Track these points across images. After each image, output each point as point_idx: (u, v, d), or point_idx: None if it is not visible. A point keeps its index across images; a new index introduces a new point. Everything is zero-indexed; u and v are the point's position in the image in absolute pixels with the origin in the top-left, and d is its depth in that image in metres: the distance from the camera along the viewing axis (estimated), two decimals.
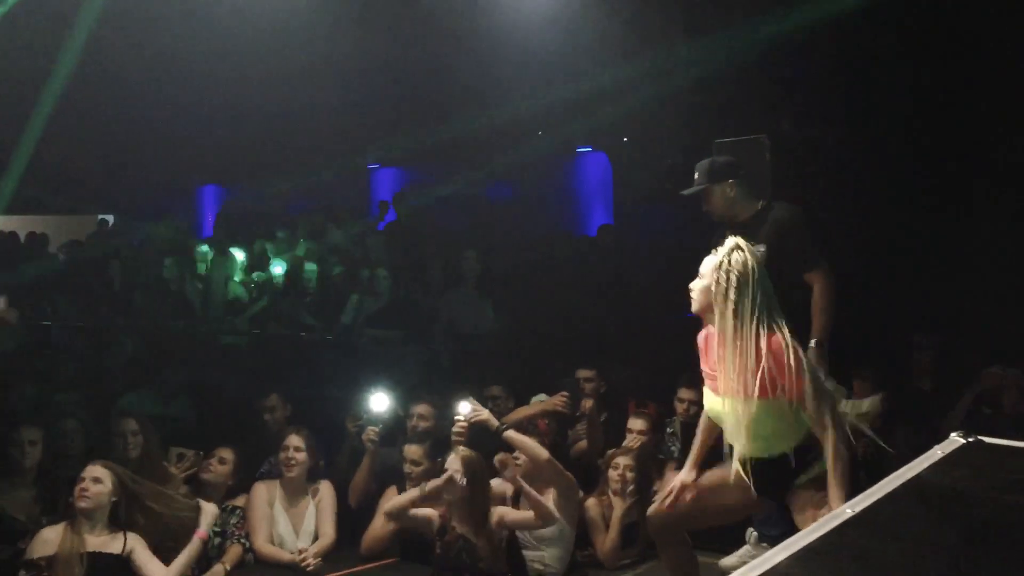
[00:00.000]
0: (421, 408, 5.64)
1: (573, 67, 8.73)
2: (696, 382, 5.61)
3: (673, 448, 5.85)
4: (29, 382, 6.38)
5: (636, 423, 5.56)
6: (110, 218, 13.66)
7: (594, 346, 7.19)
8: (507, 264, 8.20)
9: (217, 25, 8.86)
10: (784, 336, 3.31)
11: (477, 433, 4.92)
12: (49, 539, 4.32)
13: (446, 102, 9.97)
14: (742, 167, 4.58)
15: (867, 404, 4.01)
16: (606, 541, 5.11)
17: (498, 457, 4.67)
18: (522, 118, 9.60)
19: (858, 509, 1.90)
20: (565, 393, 5.75)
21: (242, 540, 5.10)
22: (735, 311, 3.32)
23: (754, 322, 3.30)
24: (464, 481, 4.48)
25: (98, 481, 4.35)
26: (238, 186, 14.41)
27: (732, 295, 3.34)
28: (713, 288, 3.40)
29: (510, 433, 4.82)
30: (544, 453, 4.76)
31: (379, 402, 5.57)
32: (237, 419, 6.24)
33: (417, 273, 8.38)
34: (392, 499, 4.97)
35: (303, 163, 11.77)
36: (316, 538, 5.27)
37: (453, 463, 4.53)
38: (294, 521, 5.25)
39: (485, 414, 4.86)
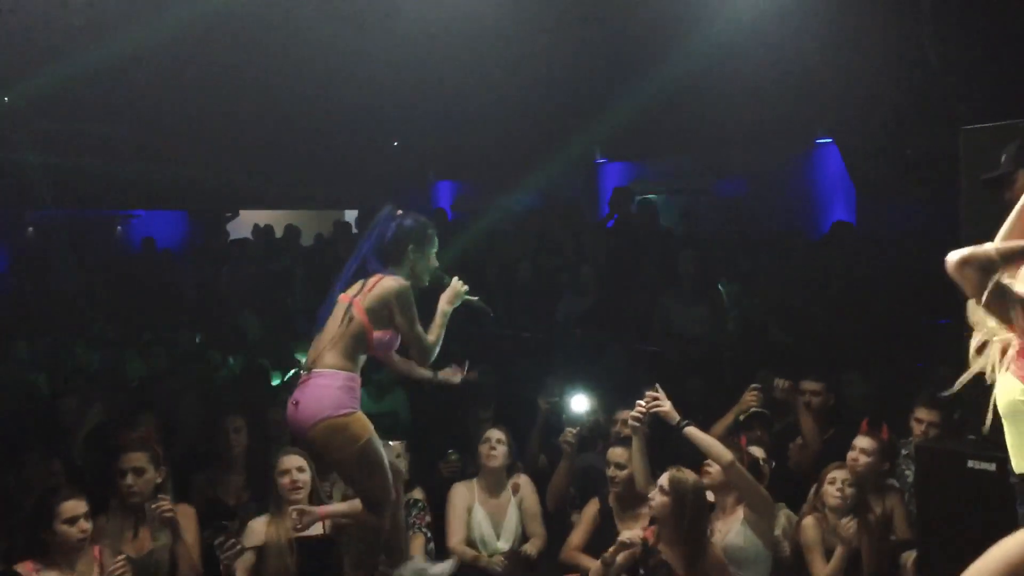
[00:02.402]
0: (626, 413, 5.29)
1: (808, 54, 8.10)
2: (937, 402, 5.08)
3: (908, 472, 5.23)
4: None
5: (862, 441, 4.95)
6: (354, 213, 14.35)
7: (823, 355, 6.59)
8: (730, 264, 7.72)
9: (446, 26, 8.93)
10: None
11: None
12: (256, 530, 4.48)
13: (676, 95, 9.58)
14: None
15: None
16: (827, 566, 4.55)
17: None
18: (755, 109, 9.05)
19: None
20: (756, 385, 5.30)
21: (423, 530, 5.02)
22: None
23: None
24: (667, 500, 4.15)
25: (302, 470, 4.52)
26: (471, 182, 14.70)
27: None
28: None
29: (691, 430, 4.38)
30: (728, 455, 4.29)
31: (579, 403, 5.33)
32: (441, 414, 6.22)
33: (631, 272, 8.06)
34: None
35: (532, 159, 11.77)
36: (518, 537, 5.15)
37: (662, 480, 4.23)
38: (493, 519, 5.14)
39: (667, 405, 4.45)
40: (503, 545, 5.11)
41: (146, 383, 6.84)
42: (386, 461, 4.09)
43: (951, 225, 4.36)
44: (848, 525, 4.53)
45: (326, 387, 3.92)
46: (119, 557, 3.99)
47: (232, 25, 8.26)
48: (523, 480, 5.29)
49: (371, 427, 4.02)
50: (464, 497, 5.15)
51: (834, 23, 7.22)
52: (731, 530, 4.43)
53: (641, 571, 4.26)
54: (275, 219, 13.55)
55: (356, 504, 4.24)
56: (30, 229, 14.10)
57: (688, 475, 4.22)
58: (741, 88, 8.71)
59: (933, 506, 4.52)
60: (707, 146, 10.55)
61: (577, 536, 5.01)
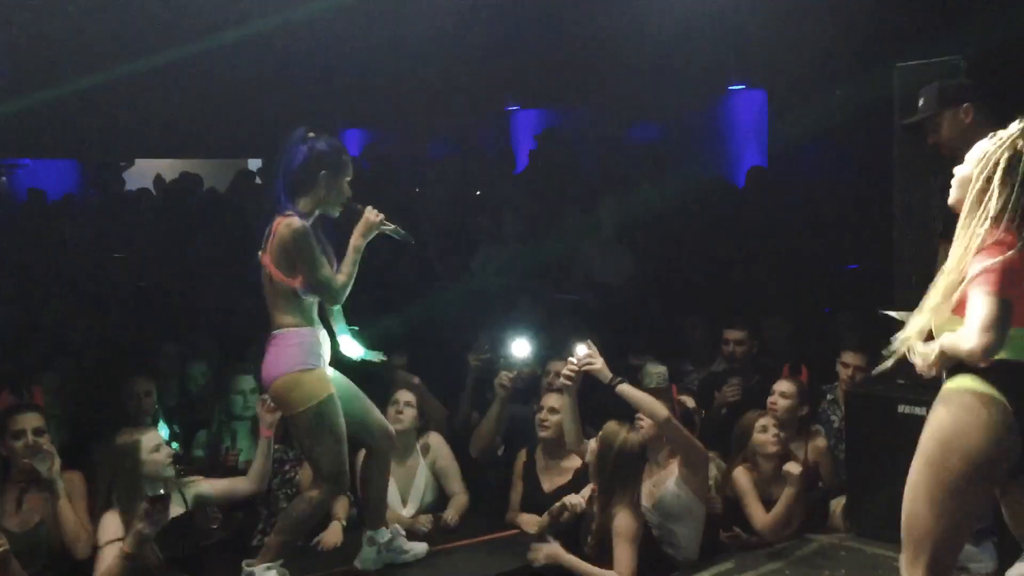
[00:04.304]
0: (559, 366, 5.11)
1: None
2: (864, 346, 5.06)
3: (834, 418, 5.23)
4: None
5: (782, 385, 4.91)
6: (258, 162, 13.80)
7: (745, 302, 6.55)
8: (650, 211, 7.60)
9: None
10: None
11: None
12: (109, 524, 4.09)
13: (588, 38, 9.38)
14: (980, 89, 3.85)
15: None
16: (769, 512, 4.49)
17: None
18: (669, 54, 8.92)
19: None
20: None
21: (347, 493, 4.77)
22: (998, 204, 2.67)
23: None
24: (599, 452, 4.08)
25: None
26: (380, 130, 14.29)
27: (998, 184, 2.70)
28: (976, 174, 2.76)
29: (624, 387, 4.24)
30: (663, 411, 4.17)
31: (520, 348, 5.15)
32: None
33: (552, 220, 7.89)
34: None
35: (443, 106, 11.45)
36: (426, 503, 4.96)
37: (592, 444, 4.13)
38: (401, 484, 4.90)
39: (599, 363, 4.29)
40: (408, 511, 4.89)
41: (38, 340, 6.37)
42: (342, 430, 3.87)
43: (884, 168, 4.29)
44: (792, 466, 4.48)
45: (279, 347, 3.83)
46: None
47: None
48: (433, 439, 5.08)
49: (331, 388, 3.84)
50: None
51: None
52: (665, 484, 4.33)
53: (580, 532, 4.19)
54: (173, 168, 12.95)
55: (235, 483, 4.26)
56: None
57: (622, 429, 4.11)
58: (655, 34, 8.57)
59: (862, 452, 4.53)
60: (620, 93, 10.38)
61: (515, 495, 4.90)
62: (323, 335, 3.92)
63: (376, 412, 4.21)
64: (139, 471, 4.01)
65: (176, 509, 4.08)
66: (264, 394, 4.29)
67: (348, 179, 3.92)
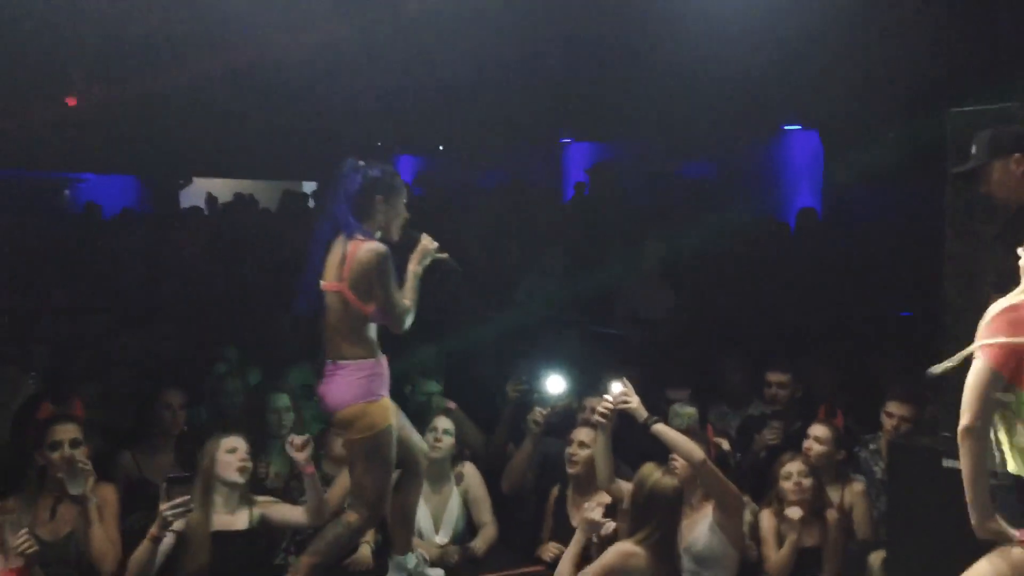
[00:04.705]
0: (596, 402, 5.04)
1: (781, 38, 7.93)
2: (910, 396, 4.93)
3: (876, 468, 5.08)
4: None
5: (817, 430, 4.81)
6: (313, 185, 13.96)
7: (789, 345, 6.43)
8: (697, 248, 7.53)
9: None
10: None
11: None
12: None
13: (644, 74, 9.37)
14: None
15: None
16: (775, 558, 4.39)
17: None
18: (725, 93, 8.87)
19: None
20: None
21: None
22: None
23: None
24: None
25: (248, 453, 4.25)
26: (434, 158, 14.40)
27: None
28: None
29: (659, 427, 4.18)
30: (699, 453, 4.09)
31: (555, 384, 5.12)
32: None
33: (599, 253, 7.85)
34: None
35: (497, 136, 11.51)
36: (458, 531, 4.90)
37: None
38: (435, 511, 4.87)
39: (635, 401, 4.23)
40: (441, 539, 4.85)
41: (83, 352, 6.46)
42: (393, 461, 3.96)
43: (934, 211, 4.17)
44: (793, 511, 4.39)
45: (347, 378, 3.88)
46: (21, 532, 3.69)
47: None
48: (468, 468, 5.05)
49: (392, 419, 3.92)
50: None
51: (815, 8, 7.03)
52: (698, 527, 4.22)
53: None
54: (227, 188, 13.16)
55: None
56: None
57: (658, 473, 4.01)
58: (712, 71, 8.53)
59: (904, 505, 4.37)
60: (674, 129, 10.34)
61: (546, 530, 4.86)
62: (385, 363, 3.98)
63: (416, 434, 4.27)
64: (212, 469, 4.14)
65: (239, 523, 4.15)
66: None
67: (404, 201, 4.01)
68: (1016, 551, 2.94)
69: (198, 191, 13.66)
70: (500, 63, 9.69)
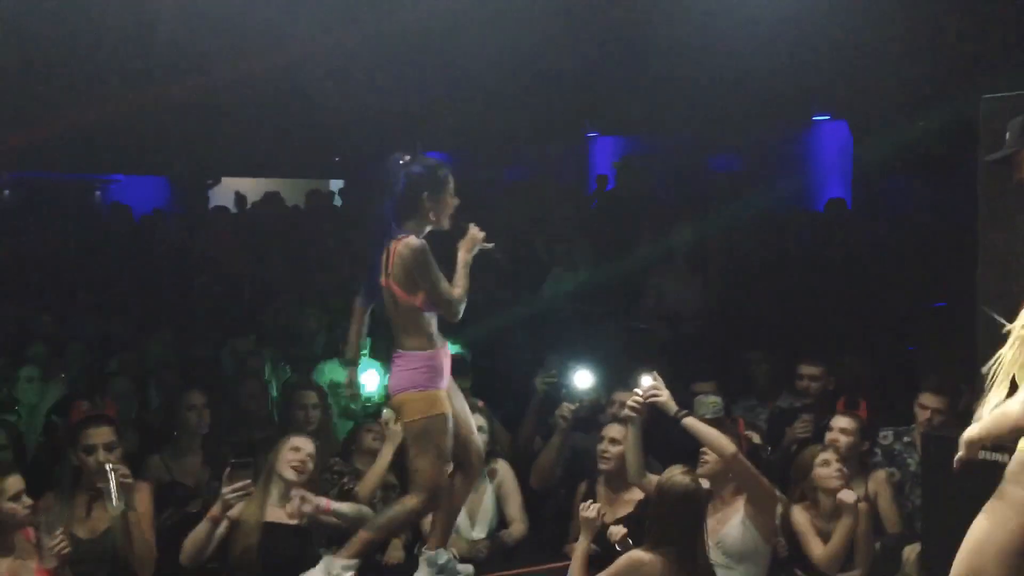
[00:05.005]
0: (624, 396, 5.01)
1: (806, 27, 7.83)
2: (944, 388, 4.86)
3: (910, 461, 5.02)
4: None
5: (840, 421, 4.75)
6: (340, 183, 14.02)
7: (820, 337, 6.36)
8: (725, 239, 7.47)
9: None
10: None
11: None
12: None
13: (670, 66, 9.29)
14: None
15: None
16: (827, 549, 4.30)
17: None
18: (752, 84, 8.78)
19: None
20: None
21: None
22: None
23: None
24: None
25: (311, 456, 4.31)
26: (458, 153, 14.39)
27: None
28: None
29: (689, 420, 4.14)
30: (730, 447, 4.05)
31: (583, 379, 5.10)
32: None
33: (626, 247, 7.81)
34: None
35: (523, 130, 11.47)
36: (493, 527, 4.91)
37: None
38: (470, 508, 4.87)
39: (665, 395, 4.20)
40: (478, 534, 4.88)
41: (113, 355, 6.52)
42: (447, 449, 3.97)
43: (967, 200, 4.11)
44: (847, 495, 4.31)
45: (403, 367, 3.98)
46: (57, 532, 3.73)
47: None
48: (500, 465, 5.07)
49: (444, 409, 3.96)
50: None
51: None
52: (730, 522, 4.18)
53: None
54: (256, 187, 13.23)
55: (362, 510, 4.24)
56: (6, 192, 13.73)
57: (678, 475, 3.85)
58: (739, 62, 8.44)
59: (939, 498, 4.30)
60: (702, 121, 10.26)
61: (575, 526, 4.73)
62: (445, 354, 4.05)
63: (477, 437, 4.29)
64: (274, 463, 4.25)
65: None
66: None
67: (450, 191, 4.05)
68: (1008, 488, 2.81)
69: (226, 191, 13.75)
70: (524, 58, 9.65)
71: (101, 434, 4.11)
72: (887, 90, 7.60)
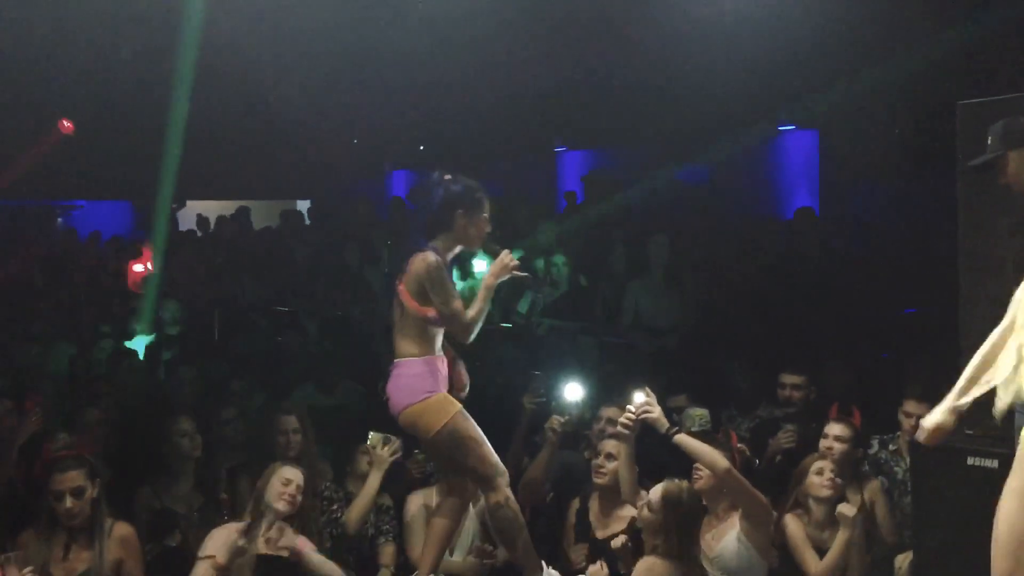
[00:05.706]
0: (612, 412, 4.92)
1: (777, 38, 7.90)
2: (928, 395, 4.86)
3: (897, 469, 5.03)
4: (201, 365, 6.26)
5: (835, 428, 4.73)
6: (307, 203, 13.93)
7: (801, 347, 6.37)
8: (700, 251, 7.48)
9: (399, 14, 8.58)
10: None
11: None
12: (219, 538, 4.13)
13: (636, 79, 9.34)
14: None
15: None
16: (825, 559, 4.28)
17: None
18: (718, 97, 8.84)
19: None
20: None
21: (395, 538, 4.78)
22: None
23: None
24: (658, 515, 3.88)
25: (300, 489, 4.22)
26: (427, 172, 14.33)
27: None
28: None
29: (681, 437, 4.11)
30: (723, 462, 4.03)
31: (573, 392, 5.06)
32: None
33: (601, 261, 7.80)
34: None
35: (490, 146, 11.47)
36: (473, 549, 4.78)
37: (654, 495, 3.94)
38: None
39: (657, 412, 4.17)
40: (456, 558, 4.76)
41: (89, 381, 6.38)
42: (479, 433, 3.98)
43: (946, 206, 4.13)
44: (846, 507, 4.29)
45: (402, 376, 3.97)
46: (26, 570, 3.60)
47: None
48: None
49: (454, 407, 3.96)
50: (422, 507, 4.78)
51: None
52: (725, 539, 4.15)
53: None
54: (223, 209, 13.10)
55: (334, 570, 4.17)
56: None
57: (682, 487, 3.93)
58: (705, 75, 8.50)
59: (930, 506, 4.30)
60: (669, 134, 10.31)
61: (567, 543, 4.78)
62: (442, 362, 4.02)
63: None
64: (263, 491, 4.17)
65: (283, 550, 4.11)
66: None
67: (485, 215, 4.06)
68: None
69: (189, 215, 13.60)
70: (492, 73, 9.66)
71: (68, 479, 3.94)
72: (856, 98, 7.65)
